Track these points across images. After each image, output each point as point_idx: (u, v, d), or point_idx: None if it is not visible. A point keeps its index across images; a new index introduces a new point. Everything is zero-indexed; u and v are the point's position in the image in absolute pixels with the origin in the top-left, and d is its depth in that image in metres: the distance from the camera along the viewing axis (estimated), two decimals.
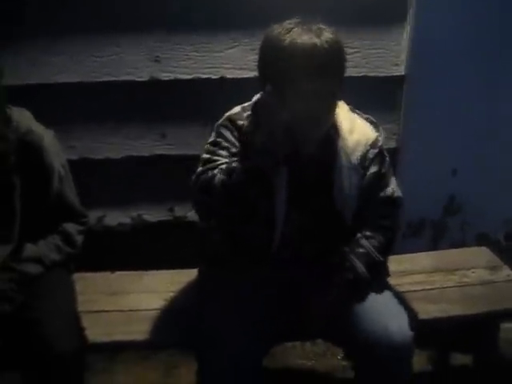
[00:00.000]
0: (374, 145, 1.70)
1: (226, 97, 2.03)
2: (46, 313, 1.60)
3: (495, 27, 2.38)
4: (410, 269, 2.11)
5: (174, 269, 2.09)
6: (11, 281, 1.65)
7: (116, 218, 2.38)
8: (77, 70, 2.20)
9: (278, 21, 1.61)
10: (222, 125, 1.69)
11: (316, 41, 1.52)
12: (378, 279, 1.71)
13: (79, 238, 1.82)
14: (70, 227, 1.80)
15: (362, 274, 1.66)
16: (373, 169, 1.70)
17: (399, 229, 1.83)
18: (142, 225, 2.40)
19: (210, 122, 1.76)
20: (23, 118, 1.74)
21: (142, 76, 2.23)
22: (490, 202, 2.60)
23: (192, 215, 2.28)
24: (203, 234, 1.85)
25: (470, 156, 2.56)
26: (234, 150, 1.64)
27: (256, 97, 1.71)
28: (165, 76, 2.24)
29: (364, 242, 1.69)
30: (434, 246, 2.66)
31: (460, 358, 2.28)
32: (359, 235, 1.70)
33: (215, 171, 1.58)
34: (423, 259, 2.21)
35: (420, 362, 1.74)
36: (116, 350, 2.03)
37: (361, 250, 1.68)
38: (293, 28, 1.55)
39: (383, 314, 1.63)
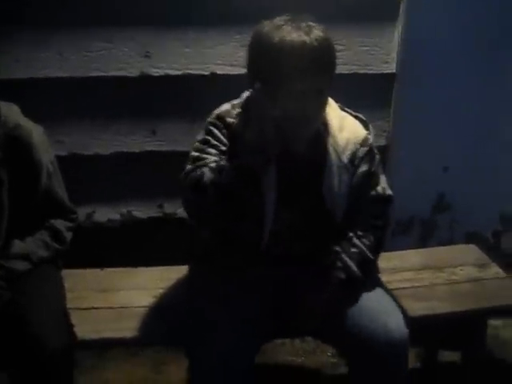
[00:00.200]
0: (363, 143, 1.70)
1: (216, 93, 2.01)
2: (34, 310, 1.59)
3: (486, 26, 2.40)
4: (400, 266, 2.11)
5: (163, 265, 2.08)
6: None
7: (105, 214, 2.38)
8: (66, 65, 2.19)
9: (269, 17, 1.60)
10: (211, 122, 1.67)
11: (305, 38, 1.51)
12: (370, 277, 1.71)
13: (68, 235, 1.80)
14: (59, 224, 1.79)
15: (354, 274, 1.66)
16: (363, 167, 1.70)
17: (390, 226, 1.83)
18: (132, 221, 2.40)
19: (200, 119, 1.75)
20: (11, 112, 1.72)
21: (133, 72, 2.22)
22: (479, 200, 2.62)
23: (182, 212, 2.27)
24: (193, 231, 1.84)
25: (460, 154, 2.57)
26: (223, 148, 1.63)
27: (245, 94, 1.70)
28: (155, 72, 2.23)
29: (356, 241, 1.69)
30: (422, 243, 2.67)
31: (448, 355, 2.30)
32: (351, 234, 1.70)
33: (204, 169, 1.57)
34: (412, 256, 2.21)
35: (409, 359, 1.75)
36: (105, 347, 2.02)
37: (353, 250, 1.68)
38: (282, 25, 1.54)
39: (380, 311, 1.64)
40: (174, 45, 2.22)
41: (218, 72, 2.25)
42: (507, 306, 1.99)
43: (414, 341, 1.65)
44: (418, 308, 1.89)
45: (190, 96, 2.25)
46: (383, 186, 1.76)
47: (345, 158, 1.67)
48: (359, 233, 1.71)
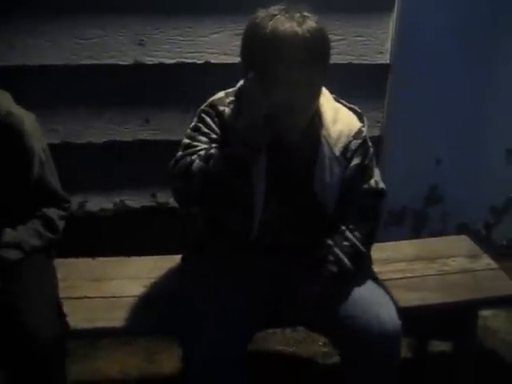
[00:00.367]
0: (357, 136, 1.69)
1: (210, 82, 2.03)
2: (27, 299, 1.59)
3: (482, 18, 2.40)
4: (392, 257, 2.12)
5: (156, 255, 2.08)
6: None
7: (98, 203, 2.37)
8: (59, 53, 2.17)
9: (264, 6, 1.59)
10: (203, 110, 1.67)
11: (297, 29, 1.50)
12: (362, 270, 1.72)
13: (60, 224, 1.80)
14: (52, 212, 1.78)
15: (346, 267, 1.66)
16: (355, 160, 1.69)
17: (382, 219, 1.84)
18: (125, 210, 2.39)
19: (194, 108, 1.74)
20: (3, 100, 1.71)
21: (126, 60, 2.20)
22: (471, 192, 2.63)
23: (174, 201, 2.27)
24: (186, 221, 1.84)
25: (453, 147, 2.58)
26: (214, 136, 1.63)
27: (240, 83, 1.70)
28: (149, 60, 2.22)
29: (348, 234, 1.69)
30: (415, 234, 2.68)
31: (439, 345, 2.31)
32: (343, 227, 1.70)
33: (194, 157, 1.57)
34: (405, 247, 2.22)
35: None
36: (98, 336, 2.02)
37: (345, 243, 1.68)
38: (276, 15, 1.53)
39: (373, 302, 1.64)
40: (168, 33, 2.20)
41: (212, 61, 2.23)
42: (498, 297, 2.01)
43: (406, 331, 1.66)
44: (410, 298, 1.90)
45: (184, 85, 2.24)
46: (376, 179, 1.75)
47: (337, 151, 1.67)
48: (351, 226, 1.70)
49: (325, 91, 1.70)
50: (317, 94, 1.62)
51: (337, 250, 1.67)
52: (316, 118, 1.67)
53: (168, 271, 1.97)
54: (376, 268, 1.88)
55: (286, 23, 1.51)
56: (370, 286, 1.71)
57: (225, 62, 2.22)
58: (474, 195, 2.66)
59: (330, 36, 1.59)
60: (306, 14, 1.54)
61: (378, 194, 1.76)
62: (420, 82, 2.42)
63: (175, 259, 1.96)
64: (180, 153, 1.63)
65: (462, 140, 2.58)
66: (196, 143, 1.62)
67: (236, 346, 1.56)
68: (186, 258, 1.87)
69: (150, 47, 2.20)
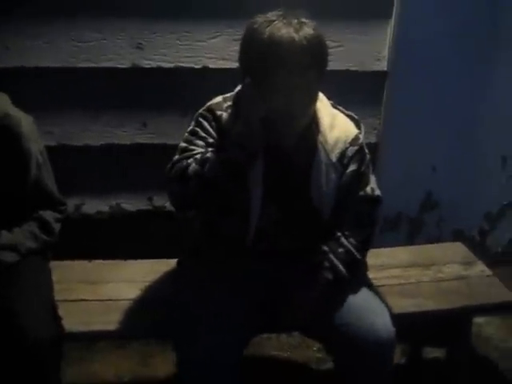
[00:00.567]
0: (353, 142, 1.70)
1: (208, 86, 2.02)
2: (22, 301, 1.58)
3: (480, 25, 2.41)
4: (387, 263, 2.13)
5: (152, 258, 2.08)
6: None
7: (94, 206, 2.37)
8: (57, 56, 2.17)
9: (262, 12, 1.60)
10: (201, 114, 1.68)
11: (294, 35, 1.51)
12: (357, 276, 1.72)
13: (56, 226, 1.80)
14: (48, 215, 1.78)
15: (341, 274, 1.67)
16: (352, 167, 1.70)
17: (377, 226, 1.84)
18: (121, 213, 2.39)
19: (191, 112, 1.74)
20: (0, 102, 1.71)
21: (124, 63, 2.21)
22: (466, 198, 2.64)
23: (171, 205, 2.28)
24: (182, 225, 1.84)
25: (449, 153, 2.59)
26: (211, 140, 1.63)
27: (238, 88, 1.70)
28: (147, 64, 2.22)
29: (343, 240, 1.69)
30: (410, 240, 2.69)
31: (433, 352, 2.32)
32: (338, 234, 1.71)
33: (190, 160, 1.57)
34: (400, 253, 2.23)
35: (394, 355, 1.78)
36: (93, 339, 2.02)
37: (340, 250, 1.68)
38: (273, 21, 1.54)
39: (367, 310, 1.65)
40: (166, 37, 2.20)
41: (210, 66, 2.24)
42: (493, 303, 2.02)
43: (400, 337, 1.67)
44: (404, 305, 1.91)
45: (182, 89, 2.24)
46: (372, 186, 1.76)
47: (333, 157, 1.67)
48: (347, 232, 1.71)
49: (322, 97, 1.71)
50: (313, 100, 1.63)
51: (332, 257, 1.68)
52: (313, 124, 1.67)
53: (164, 275, 1.97)
54: (371, 274, 1.88)
55: (283, 29, 1.52)
56: (364, 293, 1.72)
57: (222, 66, 2.23)
58: (470, 202, 2.67)
59: (327, 42, 1.60)
60: (303, 20, 1.55)
61: (374, 200, 1.76)
62: (417, 88, 2.42)
63: (171, 263, 1.96)
64: (177, 156, 1.63)
65: (457, 146, 2.60)
66: (193, 147, 1.63)
67: (231, 350, 1.56)
68: (181, 262, 1.87)
69: (148, 51, 2.21)
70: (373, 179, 1.78)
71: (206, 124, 1.65)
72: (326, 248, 1.69)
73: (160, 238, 2.30)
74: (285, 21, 1.53)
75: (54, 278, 1.80)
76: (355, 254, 1.70)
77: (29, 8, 2.11)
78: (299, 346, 2.38)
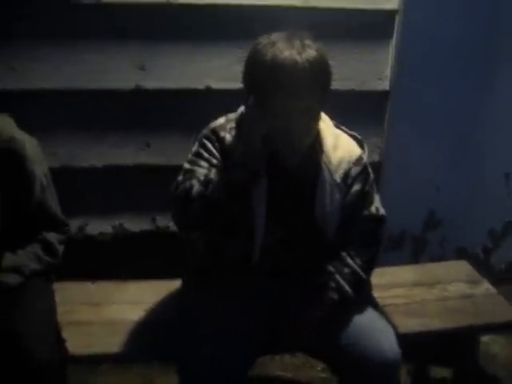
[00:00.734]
0: (357, 162, 1.70)
1: (211, 107, 2.02)
2: (26, 323, 1.58)
3: (481, 45, 2.43)
4: (392, 282, 2.12)
5: (155, 279, 2.07)
6: None
7: (97, 226, 2.36)
8: (61, 77, 2.18)
9: (265, 33, 1.61)
10: (204, 135, 1.69)
11: (297, 58, 1.52)
12: (363, 296, 1.72)
13: (60, 248, 1.80)
14: (51, 236, 1.78)
15: (347, 294, 1.66)
16: (356, 187, 1.70)
17: (382, 246, 1.84)
18: (124, 234, 2.38)
19: (194, 133, 1.75)
20: (5, 124, 1.72)
21: (128, 84, 2.22)
22: (469, 216, 2.64)
23: (174, 225, 2.27)
24: (187, 245, 1.84)
25: (451, 171, 2.59)
26: (214, 161, 1.64)
27: (241, 108, 1.71)
28: (150, 85, 2.23)
29: (349, 261, 1.69)
30: (414, 259, 2.68)
31: (439, 371, 2.30)
32: (344, 254, 1.70)
33: (193, 181, 1.58)
34: (405, 272, 2.23)
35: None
36: (96, 361, 2.00)
37: (346, 270, 1.68)
38: (277, 42, 1.55)
39: (373, 330, 1.64)
40: (169, 58, 2.22)
41: (213, 86, 2.25)
42: (498, 322, 2.01)
43: (406, 356, 1.66)
44: (410, 324, 1.91)
45: (185, 110, 2.25)
46: (377, 205, 1.76)
47: (337, 177, 1.68)
48: (352, 252, 1.71)
49: (325, 118, 1.72)
50: (315, 120, 1.64)
51: (338, 277, 1.67)
52: (316, 144, 1.68)
53: (167, 296, 1.97)
54: (376, 293, 1.88)
55: (286, 51, 1.52)
56: (370, 312, 1.71)
57: (226, 87, 2.23)
58: (473, 219, 2.67)
59: (330, 63, 1.61)
60: (307, 42, 1.55)
61: (379, 220, 1.76)
62: (419, 107, 2.43)
63: (174, 284, 1.95)
64: (180, 177, 1.64)
65: (461, 164, 2.60)
66: (197, 168, 1.64)
67: (236, 370, 1.56)
68: (185, 282, 1.87)
69: (151, 72, 2.22)
70: (377, 198, 1.78)
71: (209, 145, 1.66)
72: (331, 268, 1.69)
73: (163, 259, 2.29)
74: (288, 43, 1.54)
75: (57, 299, 1.79)
76: (361, 273, 1.69)
77: (32, 30, 2.13)
78: (303, 367, 2.36)
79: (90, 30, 2.17)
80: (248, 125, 1.55)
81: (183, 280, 1.88)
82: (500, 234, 2.79)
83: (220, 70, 2.25)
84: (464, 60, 2.43)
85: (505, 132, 2.60)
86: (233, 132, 1.66)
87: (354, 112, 2.19)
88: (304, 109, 1.55)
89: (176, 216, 1.66)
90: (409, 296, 2.07)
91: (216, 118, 1.73)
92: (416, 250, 2.71)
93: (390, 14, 2.27)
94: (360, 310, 1.69)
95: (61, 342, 1.64)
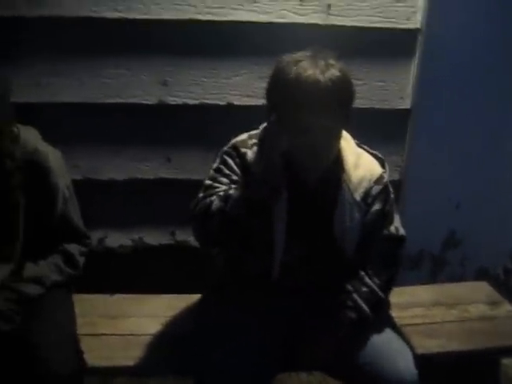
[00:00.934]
0: (378, 181, 1.70)
1: (232, 123, 2.04)
2: (45, 334, 1.59)
3: (504, 63, 2.41)
4: (411, 302, 2.11)
5: (173, 293, 2.08)
6: (10, 301, 1.64)
7: (117, 239, 2.38)
8: (85, 91, 2.21)
9: (288, 50, 1.63)
10: (226, 152, 1.70)
11: (320, 77, 1.52)
12: (381, 316, 1.71)
13: (81, 259, 1.81)
14: (73, 248, 1.79)
15: (365, 313, 1.66)
16: (376, 206, 1.70)
17: (401, 266, 1.83)
18: (143, 247, 2.39)
19: (215, 148, 1.76)
20: (30, 136, 1.75)
21: (150, 99, 2.24)
22: (490, 236, 2.60)
23: (193, 240, 2.26)
24: (206, 260, 1.85)
25: (472, 190, 2.57)
26: (235, 177, 1.65)
27: (263, 125, 1.72)
28: (172, 100, 2.25)
29: (367, 280, 1.69)
30: (432, 278, 2.65)
31: None
32: (362, 273, 1.70)
33: (213, 197, 1.59)
34: (423, 292, 2.21)
35: None
36: (113, 374, 2.00)
37: (364, 289, 1.68)
38: (301, 61, 1.56)
39: (390, 350, 1.63)
40: (192, 74, 2.23)
41: (235, 102, 2.26)
42: None
43: (424, 378, 1.63)
44: (429, 345, 1.89)
45: (206, 125, 2.26)
46: (396, 225, 1.75)
47: (357, 196, 1.68)
48: (370, 272, 1.70)
49: (347, 136, 1.72)
50: (337, 138, 1.64)
51: (356, 296, 1.67)
52: (338, 163, 1.68)
53: (185, 310, 1.98)
54: (394, 313, 1.87)
55: (310, 70, 1.54)
56: (388, 333, 1.70)
57: (247, 103, 2.25)
58: (494, 239, 2.63)
59: (352, 81, 1.61)
60: (330, 61, 1.56)
61: (398, 240, 1.76)
62: (441, 126, 2.42)
63: (192, 298, 1.96)
64: (201, 194, 1.65)
65: (482, 183, 2.57)
66: (217, 184, 1.65)
67: None
68: (204, 297, 1.87)
69: (173, 88, 2.24)
70: (397, 218, 1.77)
71: (230, 161, 1.67)
72: (349, 287, 1.68)
73: (182, 273, 2.30)
74: (312, 61, 1.55)
75: (76, 311, 1.80)
76: (379, 293, 1.68)
77: (57, 45, 2.16)
78: None
79: (114, 45, 2.20)
80: (269, 141, 1.56)
81: (202, 295, 1.88)
82: None
83: (242, 86, 2.26)
84: (486, 79, 2.41)
85: None
86: (254, 148, 1.67)
87: (375, 130, 2.19)
88: (325, 127, 1.56)
89: (196, 232, 1.67)
90: (427, 316, 2.05)
91: (237, 135, 1.74)
92: (434, 270, 2.69)
93: (412, 33, 2.27)
94: (378, 330, 1.68)
95: (79, 353, 1.65)
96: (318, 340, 1.65)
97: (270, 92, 1.63)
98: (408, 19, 2.25)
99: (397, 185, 2.35)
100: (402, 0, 2.23)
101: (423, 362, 1.67)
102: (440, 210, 2.57)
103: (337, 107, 1.56)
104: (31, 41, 2.14)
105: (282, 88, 1.57)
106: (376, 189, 1.70)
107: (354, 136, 1.76)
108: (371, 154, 1.76)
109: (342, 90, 1.56)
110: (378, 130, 2.24)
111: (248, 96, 2.26)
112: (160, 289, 2.10)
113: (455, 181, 2.54)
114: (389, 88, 2.32)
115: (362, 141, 1.79)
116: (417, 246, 2.60)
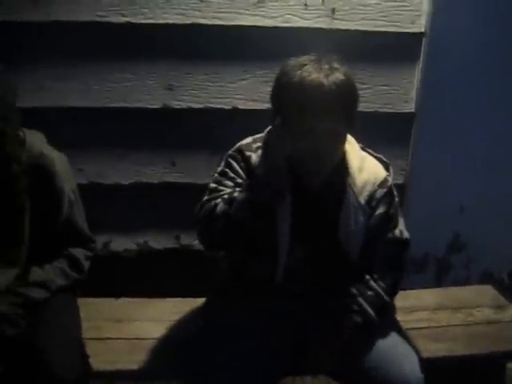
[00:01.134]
0: (382, 185, 1.70)
1: (237, 127, 2.05)
2: (51, 339, 1.59)
3: (509, 67, 2.41)
4: (416, 305, 2.11)
5: (178, 296, 2.08)
6: (16, 305, 1.64)
7: (122, 243, 2.38)
8: (89, 96, 2.21)
9: (290, 54, 1.63)
10: (230, 155, 1.71)
11: (323, 81, 1.53)
12: (386, 319, 1.71)
13: (86, 264, 1.82)
14: (78, 252, 1.80)
15: (370, 317, 1.65)
16: (380, 209, 1.70)
17: (406, 269, 1.83)
18: (148, 251, 2.39)
19: (220, 152, 1.77)
20: (36, 140, 1.75)
21: (155, 103, 2.24)
22: (494, 239, 2.60)
23: (198, 244, 2.27)
24: (211, 264, 1.85)
25: (477, 194, 2.57)
26: (239, 180, 1.65)
27: (268, 129, 1.73)
28: (177, 104, 2.25)
29: (372, 283, 1.69)
30: (437, 282, 2.65)
31: None
32: (367, 277, 1.70)
33: (218, 200, 1.60)
34: (428, 296, 2.21)
35: None
36: (117, 378, 2.00)
37: (369, 293, 1.68)
38: (305, 65, 1.56)
39: (396, 354, 1.63)
40: (197, 79, 2.24)
41: (240, 107, 2.27)
42: None
43: (429, 382, 1.63)
44: (434, 349, 1.89)
45: (211, 129, 2.27)
46: (401, 228, 1.75)
47: (362, 199, 1.68)
48: (375, 275, 1.70)
49: (351, 140, 1.72)
50: (341, 142, 1.64)
51: (361, 300, 1.66)
52: (342, 166, 1.68)
53: (190, 314, 1.98)
54: (400, 317, 1.86)
55: (314, 74, 1.54)
56: (393, 337, 1.70)
57: (252, 107, 2.25)
58: (499, 243, 2.63)
59: (356, 85, 1.62)
60: (335, 65, 1.57)
61: (403, 243, 1.76)
62: (445, 130, 2.42)
63: (197, 302, 1.96)
64: (206, 197, 1.66)
65: (486, 186, 2.57)
66: (222, 187, 1.65)
67: None
68: (209, 301, 1.87)
69: (178, 92, 2.24)
70: (401, 221, 1.77)
71: (235, 164, 1.68)
72: (354, 291, 1.68)
73: (187, 277, 2.30)
74: (316, 65, 1.55)
75: (81, 315, 1.80)
76: (384, 297, 1.68)
77: (62, 49, 2.17)
78: None
79: (119, 50, 2.20)
80: (273, 144, 1.56)
81: (207, 298, 1.88)
82: None
83: (247, 90, 2.26)
84: (491, 82, 2.41)
85: None
86: (258, 151, 1.67)
87: (379, 134, 2.19)
88: (329, 131, 1.56)
89: (201, 235, 1.68)
90: (433, 320, 2.05)
91: (242, 139, 1.74)
92: (439, 273, 2.68)
93: (416, 37, 2.27)
94: (383, 334, 1.68)
95: (85, 357, 1.65)
96: (323, 343, 1.65)
97: (275, 95, 1.64)
98: (412, 23, 2.26)
99: (401, 188, 2.35)
100: (406, 4, 2.24)
101: (428, 365, 1.66)
102: (445, 214, 2.57)
103: (340, 111, 1.56)
104: (36, 45, 2.16)
105: (286, 91, 1.58)
106: (380, 192, 1.70)
107: (358, 140, 1.76)
108: (375, 157, 1.76)
109: (346, 93, 1.57)
110: (382, 134, 2.24)
111: (253, 100, 2.26)
112: (165, 293, 2.10)
113: (460, 184, 2.54)
114: (393, 92, 2.32)
115: (367, 144, 1.79)
116: (422, 250, 2.60)
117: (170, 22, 2.18)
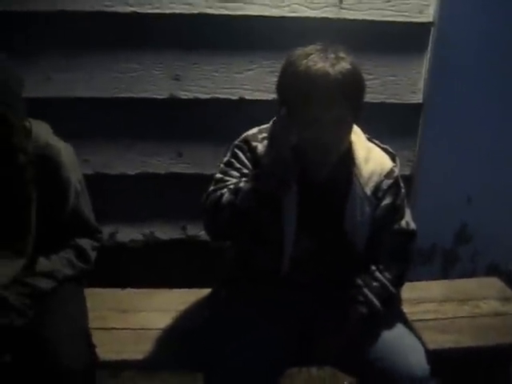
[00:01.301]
0: (388, 175, 1.70)
1: (243, 118, 2.05)
2: (57, 328, 1.60)
3: None
4: (423, 297, 2.10)
5: (184, 287, 2.08)
6: (23, 295, 1.65)
7: (128, 234, 2.38)
8: (96, 86, 2.21)
9: (297, 44, 1.63)
10: (236, 145, 1.70)
11: (329, 70, 1.52)
12: (391, 311, 1.71)
13: (93, 254, 1.82)
14: (85, 243, 1.80)
15: (376, 308, 1.65)
16: (387, 200, 1.69)
17: (412, 261, 1.82)
18: (154, 242, 2.40)
19: (226, 143, 1.76)
20: (42, 131, 1.75)
21: (162, 94, 2.24)
22: (501, 230, 2.59)
23: (204, 234, 2.27)
24: (217, 254, 1.85)
25: (484, 185, 2.56)
26: (246, 171, 1.65)
27: (274, 119, 1.72)
28: (184, 95, 2.25)
29: (378, 274, 1.68)
30: (444, 273, 2.65)
31: None
32: (373, 268, 1.69)
33: (224, 190, 1.60)
34: (435, 288, 2.20)
35: None
36: (123, 368, 2.01)
37: (375, 284, 1.67)
38: (311, 54, 1.56)
39: (402, 345, 1.63)
40: (204, 69, 2.24)
41: (247, 97, 2.26)
42: None
43: (435, 373, 1.63)
44: (441, 340, 1.88)
45: (218, 120, 2.27)
46: (407, 219, 1.75)
47: (368, 190, 1.67)
48: (381, 266, 1.70)
49: (358, 131, 1.72)
50: (346, 132, 1.64)
51: (366, 291, 1.66)
52: (348, 157, 1.68)
53: (196, 304, 1.98)
54: (406, 308, 1.86)
55: (320, 63, 1.53)
56: (399, 328, 1.69)
57: (259, 98, 2.25)
58: (506, 234, 2.62)
59: (363, 75, 1.61)
60: (341, 54, 1.56)
61: (409, 234, 1.75)
62: (453, 121, 2.41)
63: (203, 292, 1.96)
64: (212, 187, 1.66)
65: (493, 177, 2.56)
66: (228, 178, 1.65)
67: (266, 380, 1.56)
68: (215, 291, 1.87)
69: (185, 82, 2.24)
70: (408, 212, 1.76)
71: (241, 155, 1.67)
72: (360, 281, 1.68)
73: (193, 267, 2.31)
74: (322, 55, 1.55)
75: (87, 305, 1.81)
76: (390, 288, 1.68)
77: (68, 39, 2.17)
78: (330, 380, 2.34)
79: (125, 40, 2.20)
80: (278, 134, 1.56)
81: (213, 289, 1.89)
82: None
83: (254, 80, 2.25)
84: (499, 72, 2.39)
85: None
86: (264, 142, 1.67)
87: (387, 125, 2.18)
88: (335, 121, 1.56)
89: (206, 225, 1.68)
90: (439, 312, 2.04)
91: (248, 129, 1.74)
92: (446, 265, 2.68)
93: (424, 27, 2.26)
94: (389, 325, 1.68)
95: (91, 347, 1.65)
96: (329, 334, 1.65)
97: (280, 85, 1.63)
98: (420, 12, 2.24)
99: (409, 179, 2.34)
100: None
101: (435, 357, 1.65)
102: (452, 204, 2.56)
103: (346, 100, 1.55)
104: (42, 35, 2.15)
105: (291, 81, 1.57)
106: (386, 183, 1.69)
107: (365, 130, 1.75)
108: (382, 148, 1.75)
109: (352, 83, 1.56)
110: (389, 125, 2.24)
111: (259, 90, 2.25)
112: (171, 283, 2.11)
113: (467, 175, 2.52)
114: (400, 82, 2.31)
115: (374, 135, 1.78)
116: (429, 241, 2.60)
117: (177, 11, 2.17)
